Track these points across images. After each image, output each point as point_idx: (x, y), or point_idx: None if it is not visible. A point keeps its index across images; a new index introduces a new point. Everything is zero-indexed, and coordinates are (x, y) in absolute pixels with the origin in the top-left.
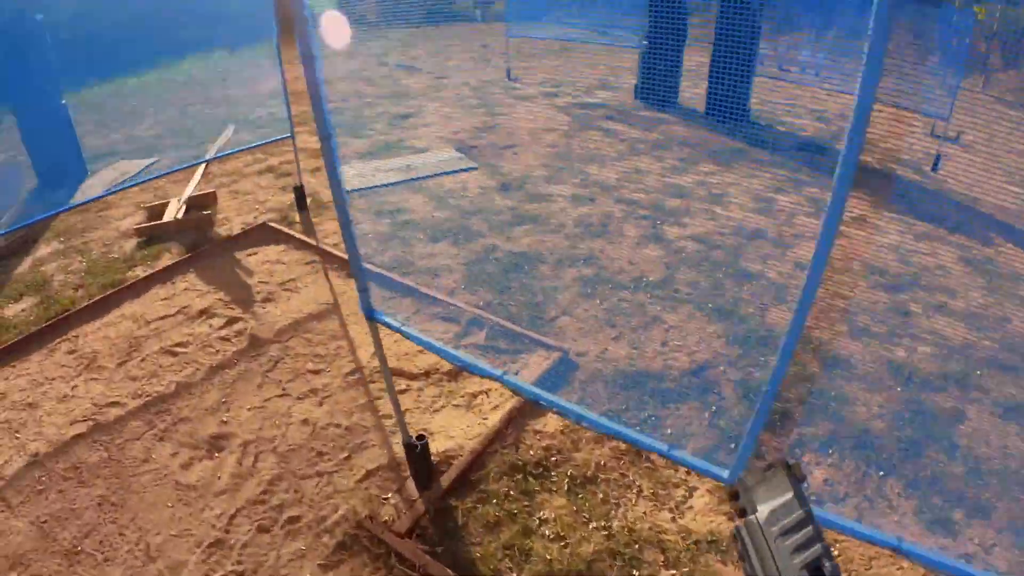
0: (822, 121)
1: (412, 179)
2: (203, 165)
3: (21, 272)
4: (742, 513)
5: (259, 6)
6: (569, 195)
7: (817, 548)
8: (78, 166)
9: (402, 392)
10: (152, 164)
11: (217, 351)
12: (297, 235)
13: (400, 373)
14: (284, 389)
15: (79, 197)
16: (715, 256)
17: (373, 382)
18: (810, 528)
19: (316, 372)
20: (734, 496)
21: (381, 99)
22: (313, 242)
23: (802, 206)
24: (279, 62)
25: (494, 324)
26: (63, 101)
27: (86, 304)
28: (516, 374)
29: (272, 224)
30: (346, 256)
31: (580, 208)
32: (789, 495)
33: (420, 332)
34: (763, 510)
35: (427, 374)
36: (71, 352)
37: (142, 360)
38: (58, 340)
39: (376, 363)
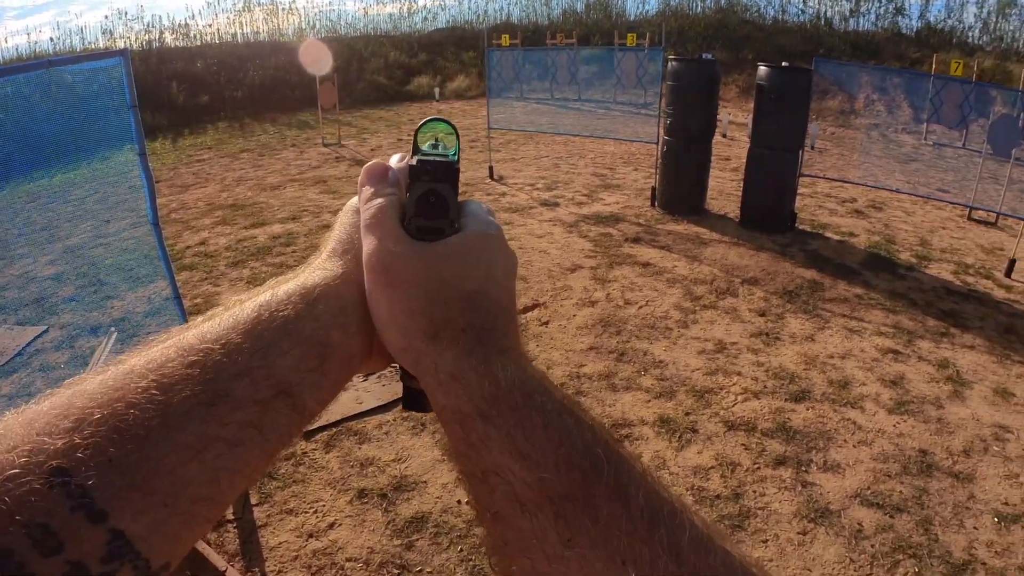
0: (860, 215)
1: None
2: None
3: None
4: None
5: None
6: (654, 418)
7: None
8: None
9: None
10: (39, 337)
11: None
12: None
13: None
14: None
15: None
16: (911, 537)
17: None
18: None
19: None
20: None
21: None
22: None
23: (940, 381)
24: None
25: None
26: None
27: None
28: None
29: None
30: None
31: (685, 453)
32: None
33: None
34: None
35: None
36: None
37: None
38: None
39: None
